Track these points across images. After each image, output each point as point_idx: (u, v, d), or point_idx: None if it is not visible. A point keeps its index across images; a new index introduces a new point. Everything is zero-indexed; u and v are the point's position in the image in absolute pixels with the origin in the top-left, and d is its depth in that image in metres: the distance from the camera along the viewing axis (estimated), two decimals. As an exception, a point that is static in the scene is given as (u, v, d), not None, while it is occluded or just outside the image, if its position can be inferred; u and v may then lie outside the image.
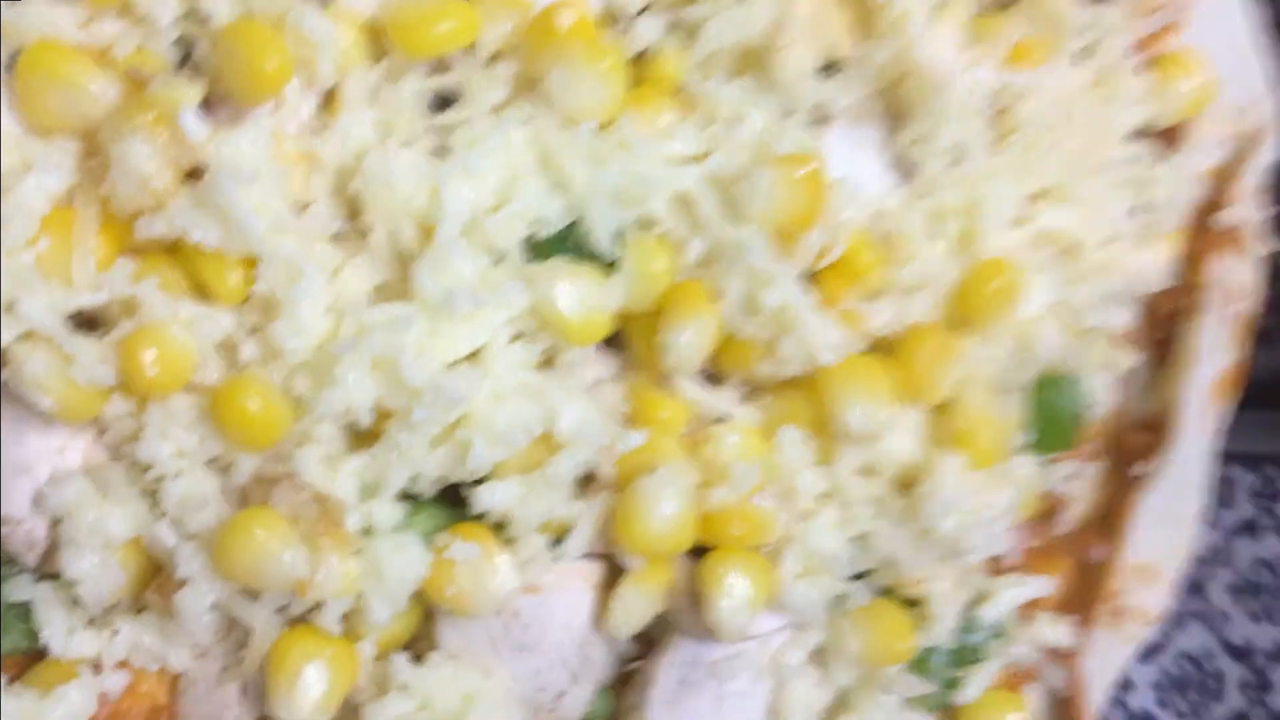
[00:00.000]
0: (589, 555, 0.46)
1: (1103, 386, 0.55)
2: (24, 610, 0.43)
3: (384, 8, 0.44)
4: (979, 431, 0.48)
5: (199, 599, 0.41)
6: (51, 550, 0.42)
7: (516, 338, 0.44)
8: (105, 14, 0.42)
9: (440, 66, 0.45)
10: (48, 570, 0.43)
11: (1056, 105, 0.50)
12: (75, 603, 0.43)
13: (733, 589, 0.45)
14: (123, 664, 0.45)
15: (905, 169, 0.49)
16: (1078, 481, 0.55)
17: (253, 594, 0.42)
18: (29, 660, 0.44)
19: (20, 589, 0.43)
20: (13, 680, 0.44)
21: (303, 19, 0.42)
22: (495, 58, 0.45)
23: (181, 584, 0.41)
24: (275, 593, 0.42)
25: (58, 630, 0.43)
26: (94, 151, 0.41)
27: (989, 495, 0.48)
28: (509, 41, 0.45)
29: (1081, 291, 0.51)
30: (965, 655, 0.52)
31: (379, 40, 0.45)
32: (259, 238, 0.40)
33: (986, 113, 0.49)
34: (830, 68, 0.48)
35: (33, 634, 0.43)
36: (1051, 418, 0.52)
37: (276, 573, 0.40)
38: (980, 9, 0.51)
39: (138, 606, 0.44)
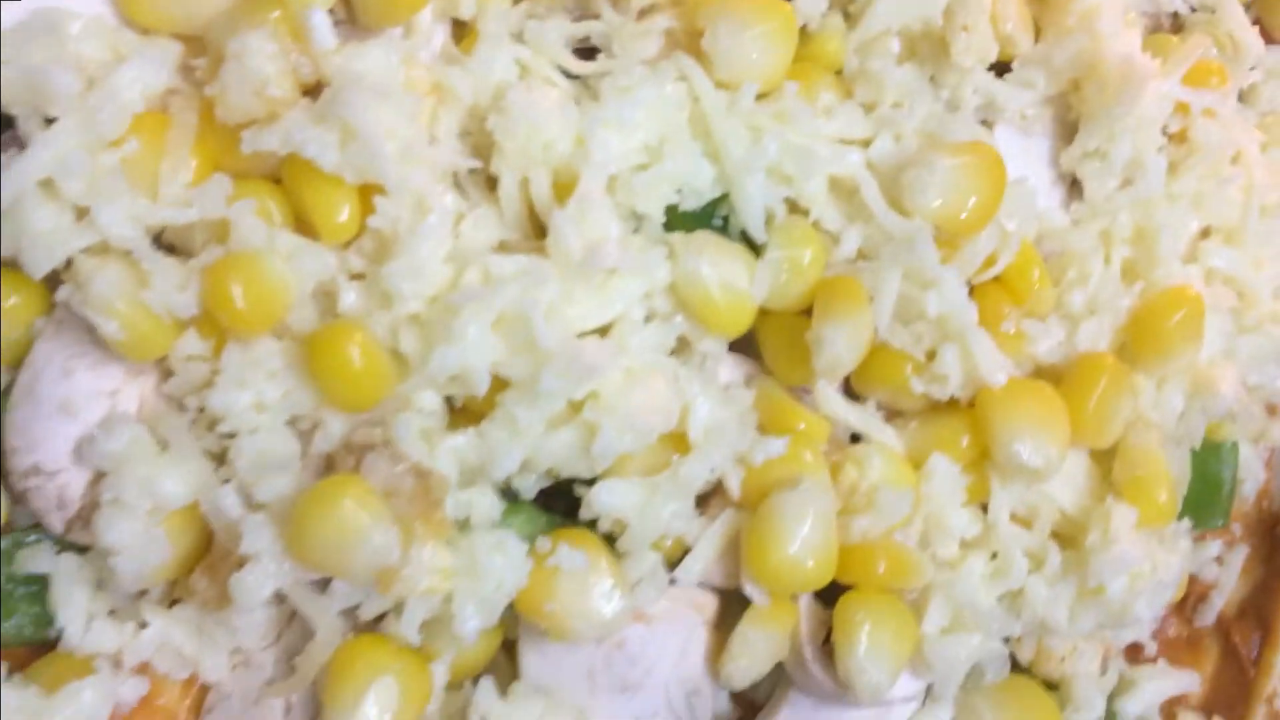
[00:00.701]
0: (704, 585, 0.40)
1: (1256, 460, 0.50)
2: (38, 588, 0.36)
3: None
4: (1153, 484, 0.42)
5: (261, 584, 0.34)
6: (83, 515, 0.35)
7: (650, 317, 0.39)
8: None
9: (588, 12, 0.41)
10: (74, 541, 0.36)
11: (1231, 138, 0.46)
12: (99, 585, 0.36)
13: (873, 638, 0.39)
14: (142, 668, 0.37)
15: (1073, 185, 0.45)
16: (1224, 566, 0.49)
17: (322, 585, 0.35)
18: (35, 651, 0.37)
19: (37, 559, 0.36)
20: (13, 672, 0.36)
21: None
22: (649, 10, 0.41)
23: (242, 563, 0.34)
24: (352, 584, 0.35)
25: (76, 615, 0.36)
26: (198, 53, 0.36)
27: (1163, 557, 0.42)
28: (663, -8, 0.41)
29: (1248, 344, 0.46)
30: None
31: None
32: (387, 163, 0.34)
33: (1165, 132, 0.45)
34: (1000, 68, 0.44)
35: (44, 619, 0.36)
36: (1207, 484, 0.47)
37: (361, 556, 0.33)
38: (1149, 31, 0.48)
39: (172, 598, 0.37)
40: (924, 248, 0.39)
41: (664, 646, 0.39)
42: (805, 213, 0.41)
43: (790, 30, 0.41)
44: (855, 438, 0.42)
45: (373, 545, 0.33)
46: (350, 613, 0.36)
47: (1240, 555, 0.50)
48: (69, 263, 0.34)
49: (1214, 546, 0.49)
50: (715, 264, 0.39)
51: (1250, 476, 0.50)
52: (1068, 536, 0.42)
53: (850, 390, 0.42)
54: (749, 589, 0.39)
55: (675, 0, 0.41)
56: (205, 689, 0.38)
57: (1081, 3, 0.42)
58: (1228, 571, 0.49)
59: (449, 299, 0.35)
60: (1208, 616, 0.49)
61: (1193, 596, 0.49)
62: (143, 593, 0.37)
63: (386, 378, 0.35)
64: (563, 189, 0.38)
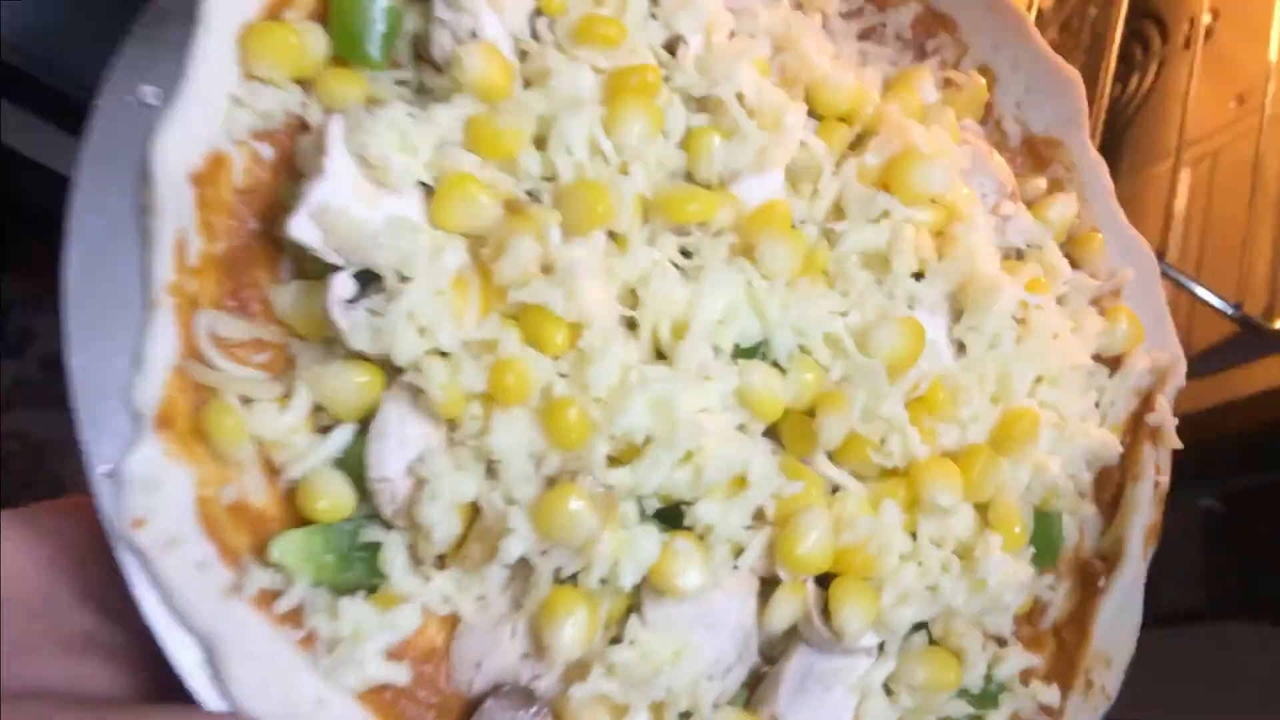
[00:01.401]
0: (753, 570, 0.65)
1: (1073, 525, 0.78)
2: (371, 552, 0.59)
3: (655, 190, 0.68)
4: (1011, 523, 0.70)
5: (515, 549, 0.58)
6: (406, 507, 0.59)
7: (726, 408, 0.65)
8: (492, 163, 0.64)
9: (683, 232, 0.69)
10: (395, 524, 0.60)
11: (1051, 323, 0.76)
12: (409, 551, 0.59)
13: (852, 606, 0.65)
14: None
15: (960, 347, 0.74)
16: (1055, 591, 0.77)
17: (544, 551, 0.60)
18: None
19: (374, 533, 0.59)
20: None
21: (618, 186, 0.65)
22: (719, 232, 0.69)
23: (506, 533, 0.58)
24: (566, 550, 0.59)
25: (398, 567, 0.59)
26: (481, 244, 0.62)
27: (1018, 567, 0.69)
28: (729, 222, 0.69)
29: (1065, 449, 0.75)
30: (986, 699, 0.71)
31: (647, 209, 0.68)
32: (590, 312, 0.61)
33: (1014, 318, 0.75)
34: (918, 276, 0.73)
35: (375, 572, 0.59)
36: (1044, 540, 0.75)
37: (577, 533, 0.58)
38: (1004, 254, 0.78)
39: (443, 564, 0.61)
40: (880, 378, 0.67)
41: (729, 604, 0.64)
42: (810, 353, 0.68)
43: (803, 250, 0.69)
44: (836, 489, 0.69)
45: (585, 527, 0.58)
46: (558, 570, 0.60)
47: (1065, 585, 0.77)
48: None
49: (1048, 579, 0.76)
50: (762, 379, 0.66)
51: (1070, 535, 0.78)
52: (964, 552, 0.69)
53: (833, 460, 0.69)
54: (780, 572, 0.65)
55: (736, 226, 0.69)
56: (456, 620, 0.61)
57: (965, 243, 0.72)
58: (1057, 594, 0.76)
59: (620, 390, 0.61)
60: (1045, 622, 0.76)
61: (1036, 610, 0.76)
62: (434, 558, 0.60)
63: (585, 433, 0.61)
64: (678, 329, 0.65)
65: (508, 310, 0.61)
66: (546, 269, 0.60)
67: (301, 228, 0.57)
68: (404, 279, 0.58)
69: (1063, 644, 0.75)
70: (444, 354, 0.59)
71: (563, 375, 0.61)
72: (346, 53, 0.65)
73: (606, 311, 0.61)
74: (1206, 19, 1.29)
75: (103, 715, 0.52)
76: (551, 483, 0.59)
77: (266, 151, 0.63)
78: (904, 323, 0.67)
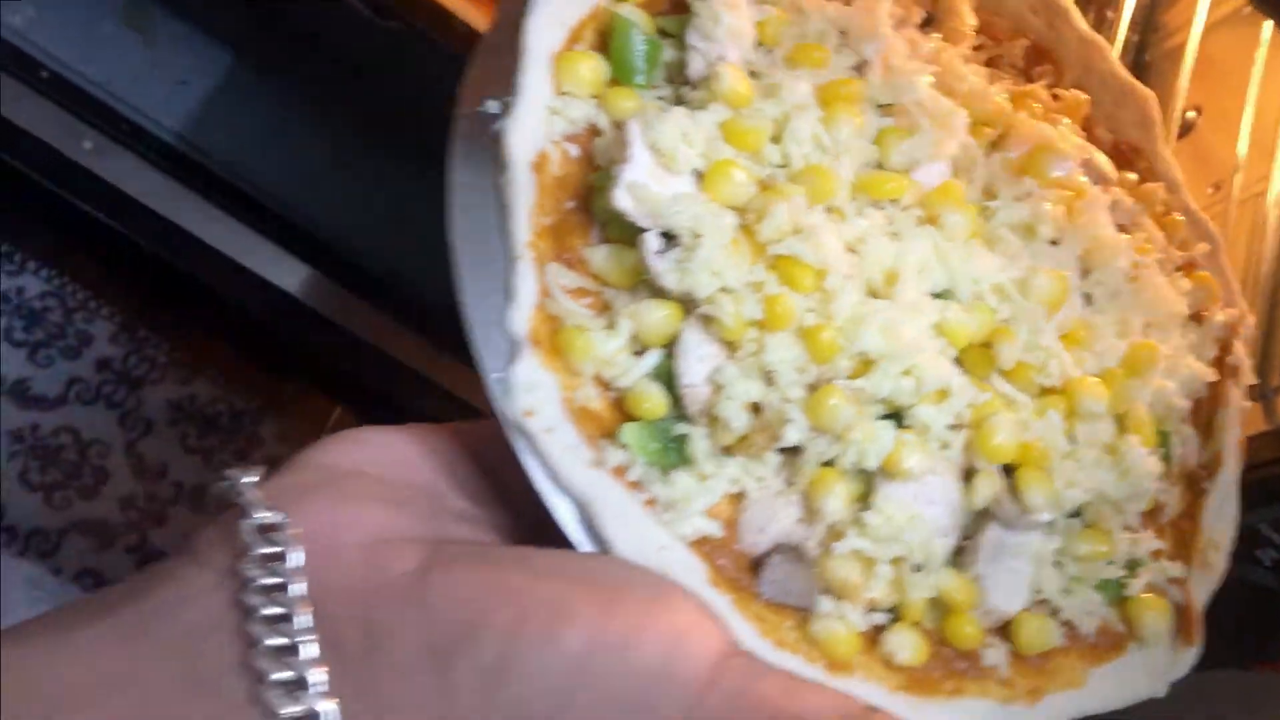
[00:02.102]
0: (955, 463, 0.84)
1: (1179, 442, 0.97)
2: (680, 443, 0.77)
3: (858, 175, 0.88)
4: (1145, 427, 0.88)
5: (794, 434, 0.77)
6: (706, 408, 0.77)
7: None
8: (743, 154, 0.84)
9: (879, 207, 0.88)
10: (697, 421, 0.78)
11: (1156, 281, 0.96)
12: (711, 440, 0.77)
13: (1037, 486, 0.83)
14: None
15: (1087, 297, 0.94)
16: (1170, 494, 0.96)
17: (811, 438, 0.78)
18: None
19: (682, 428, 0.77)
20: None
21: (836, 170, 0.85)
22: (907, 207, 0.88)
23: (785, 423, 0.76)
24: (826, 439, 0.77)
25: (702, 452, 0.77)
26: (741, 214, 0.81)
27: (1151, 461, 0.88)
28: (915, 199, 0.89)
29: (1173, 378, 0.95)
30: (1129, 569, 0.89)
31: (853, 190, 0.88)
32: (832, 261, 0.80)
33: (1127, 276, 0.95)
34: (1055, 241, 0.93)
35: (683, 457, 0.77)
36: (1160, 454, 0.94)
37: (839, 421, 0.76)
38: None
39: (729, 452, 0.79)
40: (1040, 316, 0.86)
41: (942, 486, 0.82)
42: (982, 298, 0.88)
43: (974, 219, 0.89)
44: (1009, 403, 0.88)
45: (843, 417, 0.76)
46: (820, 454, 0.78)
47: (1176, 489, 0.95)
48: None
49: (1164, 485, 0.95)
50: (955, 315, 0.85)
51: (1176, 451, 0.97)
52: (1111, 451, 0.87)
53: (1005, 380, 0.88)
54: (977, 463, 0.82)
55: (920, 203, 0.89)
56: (741, 497, 0.79)
57: (1089, 215, 0.92)
58: (1171, 497, 0.94)
59: (857, 319, 0.80)
60: (1164, 518, 0.93)
61: (1156, 509, 0.94)
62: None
63: (835, 350, 0.79)
64: (890, 277, 0.84)
65: (768, 261, 0.80)
66: (795, 230, 0.80)
67: (622, 199, 0.77)
68: (695, 236, 0.77)
69: (1179, 534, 0.93)
70: (727, 291, 0.78)
71: (810, 310, 0.80)
72: (621, 77, 0.85)
73: (843, 260, 0.81)
74: (1191, 114, 1.46)
75: (486, 552, 0.67)
76: (812, 388, 0.78)
77: (573, 150, 0.82)
78: (1054, 274, 0.87)
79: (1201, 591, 0.91)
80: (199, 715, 0.49)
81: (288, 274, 1.74)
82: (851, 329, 0.79)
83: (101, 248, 1.80)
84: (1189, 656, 0.88)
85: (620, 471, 0.74)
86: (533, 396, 0.73)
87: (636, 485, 0.74)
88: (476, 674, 0.52)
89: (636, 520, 0.73)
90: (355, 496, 0.60)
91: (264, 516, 0.55)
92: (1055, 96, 1.02)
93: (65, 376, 1.82)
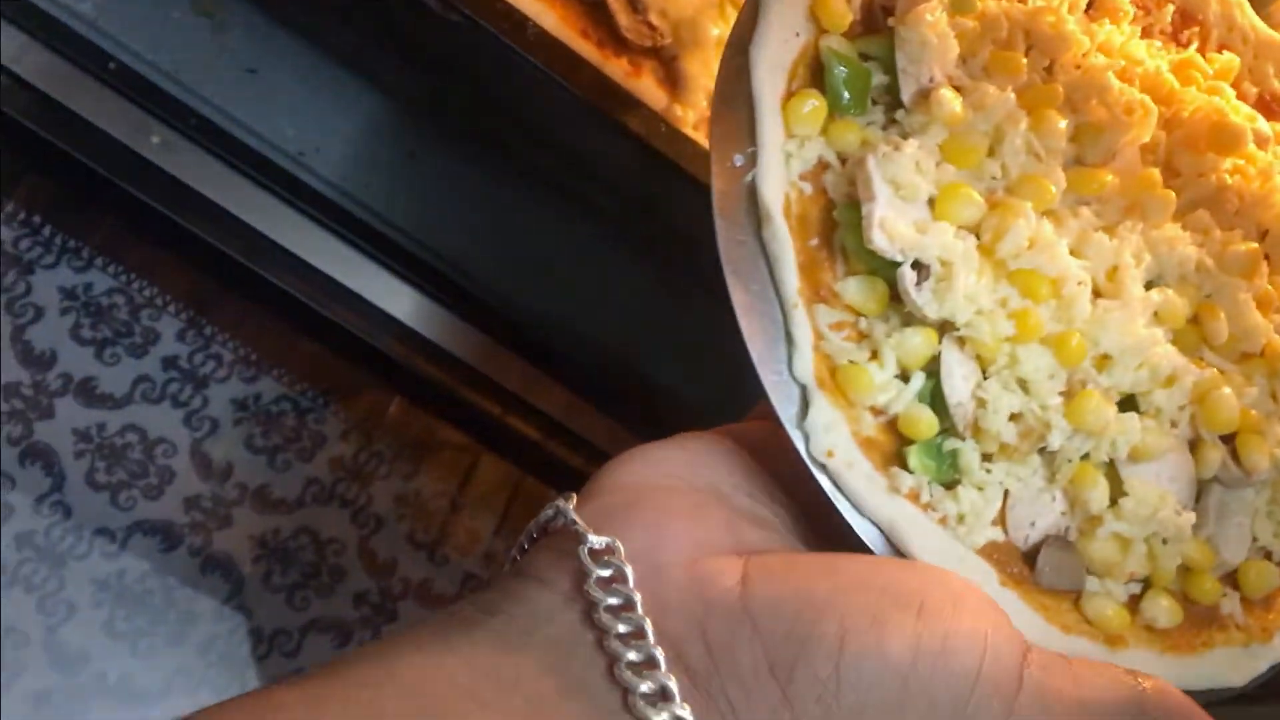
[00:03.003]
0: (1183, 438, 0.91)
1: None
2: (951, 456, 0.84)
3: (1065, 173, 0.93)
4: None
5: (1058, 438, 0.83)
6: (971, 421, 0.84)
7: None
8: (964, 171, 0.89)
9: (1084, 202, 0.94)
10: (965, 435, 0.85)
11: None
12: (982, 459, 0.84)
13: (1258, 450, 0.91)
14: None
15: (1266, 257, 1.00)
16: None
17: (1069, 438, 0.85)
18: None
19: (951, 443, 0.84)
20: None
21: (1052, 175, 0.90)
22: (1107, 200, 0.94)
23: (1048, 429, 0.83)
24: (1081, 436, 0.84)
25: (973, 463, 0.84)
26: (969, 233, 0.87)
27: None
28: (1115, 190, 0.94)
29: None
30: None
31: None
32: (1067, 270, 0.86)
33: (1305, 232, 1.01)
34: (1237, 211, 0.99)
35: (955, 469, 0.84)
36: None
37: (1098, 421, 0.83)
38: None
39: (991, 459, 0.86)
40: (1240, 289, 0.93)
41: (1178, 462, 0.89)
42: (1186, 279, 0.94)
43: (1173, 203, 0.94)
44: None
45: (1102, 417, 0.84)
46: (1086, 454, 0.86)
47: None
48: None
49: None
50: (1169, 300, 0.91)
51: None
52: (1311, 406, 0.95)
53: (1212, 352, 0.95)
54: (1204, 434, 0.90)
55: (1120, 193, 0.94)
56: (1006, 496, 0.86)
57: (1270, 184, 0.98)
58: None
59: (1095, 321, 0.87)
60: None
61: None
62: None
63: (1082, 353, 0.86)
64: (1110, 273, 0.90)
65: (1008, 276, 0.85)
66: (1030, 244, 0.85)
67: (878, 239, 0.82)
68: (945, 264, 0.83)
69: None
70: (981, 313, 0.84)
71: (1052, 319, 0.86)
72: (838, 110, 0.89)
73: (1073, 266, 0.87)
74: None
75: (794, 561, 0.68)
76: (1065, 393, 0.85)
77: (807, 188, 0.87)
78: (1249, 247, 0.93)
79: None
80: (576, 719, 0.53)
81: (355, 272, 1.78)
82: (1092, 331, 0.85)
83: (167, 242, 1.82)
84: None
85: (914, 495, 0.81)
86: (830, 436, 0.79)
87: (928, 505, 0.81)
88: (815, 685, 0.55)
89: (936, 537, 0.80)
90: (665, 514, 0.64)
91: (595, 541, 0.59)
92: (1206, 59, 1.07)
93: (132, 375, 1.83)
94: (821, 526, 0.79)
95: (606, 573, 0.57)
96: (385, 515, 1.85)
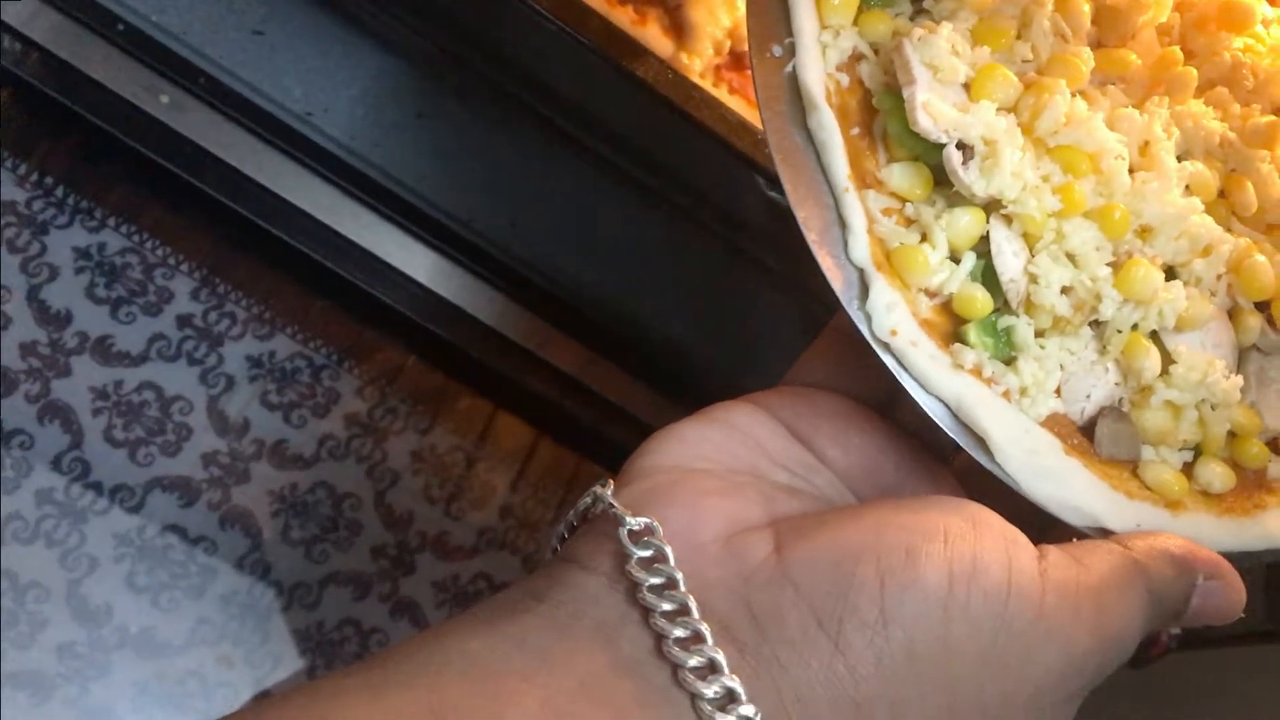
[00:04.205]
0: (1223, 307, 0.92)
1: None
2: (1007, 333, 0.85)
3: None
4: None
5: (1109, 308, 0.84)
6: (1024, 297, 0.85)
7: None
8: (996, 53, 0.90)
9: (1110, 81, 0.95)
10: (1019, 312, 0.85)
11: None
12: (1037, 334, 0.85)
13: (1288, 314, 0.92)
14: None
15: None
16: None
17: (1120, 308, 0.86)
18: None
19: (1006, 320, 0.85)
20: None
21: (1080, 55, 0.91)
22: (1131, 80, 0.95)
23: (1099, 299, 0.84)
24: (1131, 306, 0.85)
25: (1028, 339, 0.84)
26: (1007, 113, 0.87)
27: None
28: (1136, 69, 0.95)
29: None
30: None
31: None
32: (1105, 144, 0.87)
33: None
34: (1250, 88, 1.01)
35: (1012, 346, 0.85)
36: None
37: (1148, 289, 0.84)
38: None
39: (1043, 334, 0.87)
40: (1264, 160, 0.95)
41: (1220, 330, 0.91)
42: (1213, 155, 0.95)
43: (1194, 81, 0.96)
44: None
45: (1151, 284, 0.84)
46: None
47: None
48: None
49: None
50: (1200, 173, 0.93)
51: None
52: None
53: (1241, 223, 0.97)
54: (1241, 301, 0.91)
55: (1145, 74, 0.95)
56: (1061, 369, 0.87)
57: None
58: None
59: (1135, 194, 0.88)
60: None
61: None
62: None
63: (1126, 225, 0.87)
64: (1143, 148, 0.91)
65: (1050, 153, 0.86)
66: (1067, 120, 0.86)
67: (922, 120, 0.82)
68: (989, 143, 0.83)
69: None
70: (1027, 189, 0.84)
71: (1095, 192, 0.87)
72: (866, 1, 0.89)
73: (1111, 141, 0.88)
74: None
75: (822, 518, 0.66)
76: (1111, 264, 0.86)
77: (844, 80, 0.87)
78: (1269, 120, 0.95)
79: None
80: (629, 695, 0.54)
81: (367, 230, 1.76)
82: (1132, 204, 0.86)
83: (179, 202, 1.80)
84: None
85: (977, 371, 0.81)
86: (893, 316, 0.79)
87: (990, 380, 0.82)
88: (865, 630, 0.56)
89: (1002, 409, 0.81)
90: (700, 494, 0.64)
91: (634, 523, 0.59)
92: None
93: (148, 333, 1.80)
94: (859, 489, 0.78)
95: (647, 553, 0.58)
96: (401, 470, 1.84)
